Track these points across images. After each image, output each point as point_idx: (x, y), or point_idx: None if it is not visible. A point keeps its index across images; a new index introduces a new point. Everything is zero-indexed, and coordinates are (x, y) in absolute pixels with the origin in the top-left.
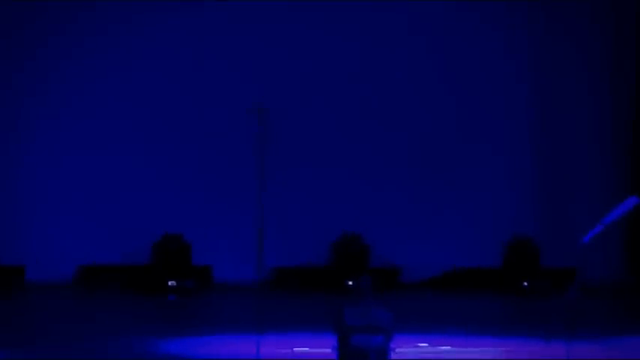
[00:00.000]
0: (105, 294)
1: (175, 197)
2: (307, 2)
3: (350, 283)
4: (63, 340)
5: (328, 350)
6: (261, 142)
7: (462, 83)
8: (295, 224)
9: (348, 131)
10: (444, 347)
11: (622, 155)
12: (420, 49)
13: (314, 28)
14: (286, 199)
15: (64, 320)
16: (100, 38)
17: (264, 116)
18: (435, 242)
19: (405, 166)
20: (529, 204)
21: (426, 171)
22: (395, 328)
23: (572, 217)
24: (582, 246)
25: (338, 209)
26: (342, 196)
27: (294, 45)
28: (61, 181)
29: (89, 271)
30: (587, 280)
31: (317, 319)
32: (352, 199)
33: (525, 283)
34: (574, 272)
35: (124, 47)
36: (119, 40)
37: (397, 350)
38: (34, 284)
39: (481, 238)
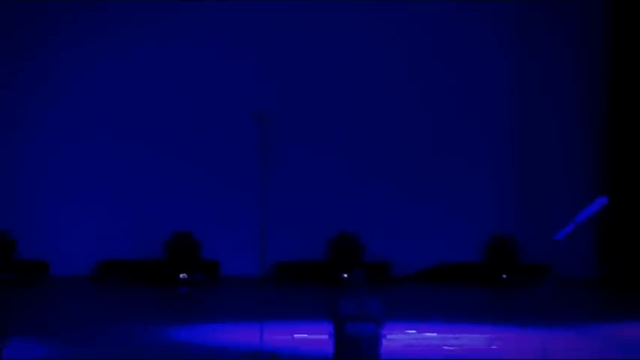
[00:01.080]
0: (122, 287)
1: (186, 198)
2: (310, 10)
3: (344, 276)
4: (84, 328)
5: (325, 337)
6: (264, 146)
7: (448, 86)
8: (295, 223)
9: (342, 135)
10: (430, 334)
11: (594, 158)
12: (404, 51)
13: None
14: (286, 199)
15: (86, 310)
16: (112, 40)
17: (266, 122)
18: (423, 239)
19: (395, 169)
20: (509, 204)
21: (416, 174)
22: (385, 317)
23: (548, 216)
24: (556, 243)
25: (334, 209)
26: (338, 197)
27: (293, 50)
28: (83, 184)
29: (107, 266)
30: (561, 273)
31: (315, 309)
32: (347, 200)
33: (504, 276)
34: (549, 267)
35: (137, 50)
36: (131, 42)
37: (387, 337)
38: (58, 278)
39: (465, 235)
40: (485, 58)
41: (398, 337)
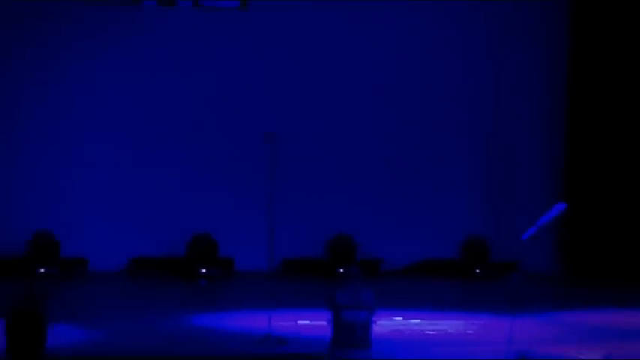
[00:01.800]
0: (150, 281)
1: (205, 203)
2: (316, 28)
3: (341, 271)
4: (117, 316)
5: (324, 323)
6: (272, 159)
7: (427, 89)
8: (298, 225)
9: (337, 149)
10: (414, 320)
11: (555, 162)
12: (383, 55)
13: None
14: (291, 204)
15: (119, 301)
16: (139, 51)
17: (274, 140)
18: (409, 238)
19: (385, 176)
20: (482, 207)
21: (402, 180)
22: (376, 306)
23: (514, 218)
24: (522, 242)
25: (332, 213)
26: (335, 203)
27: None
28: (118, 189)
29: (138, 262)
30: (526, 270)
31: (316, 299)
32: (343, 205)
33: (478, 271)
34: (516, 263)
35: (155, 63)
36: (148, 55)
37: (377, 322)
38: (95, 274)
39: (444, 234)
40: (461, 63)
41: (386, 322)
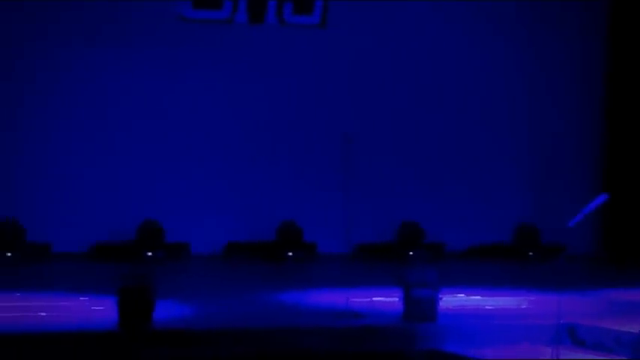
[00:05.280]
0: (243, 263)
1: (292, 193)
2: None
3: (410, 254)
4: (216, 294)
5: (396, 299)
6: (348, 154)
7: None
8: (373, 213)
9: (407, 144)
10: (475, 297)
11: (600, 150)
12: (440, 60)
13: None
14: (366, 195)
15: (217, 281)
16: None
17: (350, 139)
18: (468, 224)
19: (446, 166)
20: (533, 195)
21: (463, 171)
22: (441, 284)
23: (562, 205)
24: (569, 228)
25: (401, 201)
26: (404, 192)
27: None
28: (217, 179)
29: (234, 246)
30: (573, 251)
31: (388, 278)
32: (411, 195)
33: (530, 254)
34: (564, 246)
35: (245, 72)
36: (239, 63)
37: (443, 299)
38: (197, 256)
39: (499, 220)
40: (503, 57)
41: (450, 299)
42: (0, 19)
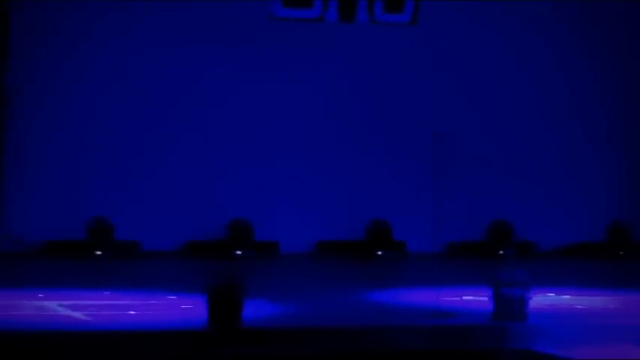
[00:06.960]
0: (333, 262)
1: (382, 193)
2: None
3: (500, 252)
4: (306, 292)
5: (485, 298)
6: (438, 153)
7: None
8: (462, 212)
9: (492, 140)
10: (565, 296)
11: None
12: (527, 62)
13: None
14: (456, 194)
15: (307, 279)
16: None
17: (441, 138)
18: (560, 223)
19: (536, 165)
20: (624, 195)
21: (553, 170)
22: (531, 284)
23: None
24: None
25: (491, 200)
26: (493, 191)
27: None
28: (304, 180)
29: (324, 245)
30: None
31: (478, 277)
32: (502, 194)
33: (621, 253)
34: None
35: (336, 71)
36: (330, 62)
37: (533, 298)
38: (286, 255)
39: (591, 219)
40: (589, 59)
41: (540, 298)
42: (94, 19)
